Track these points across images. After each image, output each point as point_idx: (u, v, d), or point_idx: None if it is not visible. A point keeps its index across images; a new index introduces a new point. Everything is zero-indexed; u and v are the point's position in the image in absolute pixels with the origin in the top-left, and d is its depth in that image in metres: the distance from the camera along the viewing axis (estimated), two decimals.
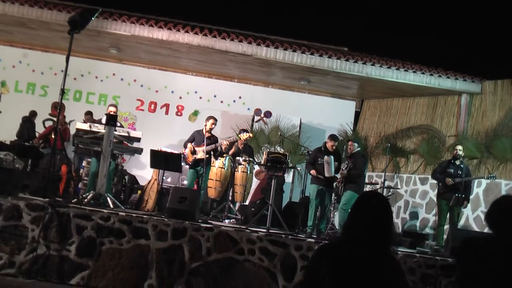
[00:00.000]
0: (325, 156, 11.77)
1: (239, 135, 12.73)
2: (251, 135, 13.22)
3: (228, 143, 12.62)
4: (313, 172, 11.93)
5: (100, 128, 10.94)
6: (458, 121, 15.12)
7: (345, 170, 11.94)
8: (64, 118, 13.63)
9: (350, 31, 20.48)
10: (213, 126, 12.65)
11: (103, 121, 11.32)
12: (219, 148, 12.55)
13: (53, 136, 11.95)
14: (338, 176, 12.06)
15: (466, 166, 12.69)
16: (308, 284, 3.86)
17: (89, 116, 13.92)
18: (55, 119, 12.18)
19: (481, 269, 4.02)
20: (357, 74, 14.80)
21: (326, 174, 11.75)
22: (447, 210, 12.22)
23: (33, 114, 14.63)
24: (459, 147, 12.64)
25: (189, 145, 12.56)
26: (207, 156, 12.22)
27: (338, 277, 3.66)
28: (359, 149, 12.54)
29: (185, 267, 8.85)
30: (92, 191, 10.71)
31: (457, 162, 12.42)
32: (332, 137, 12.36)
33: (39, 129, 14.17)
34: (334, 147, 12.23)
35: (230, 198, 12.46)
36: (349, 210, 4.08)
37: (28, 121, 14.36)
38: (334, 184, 12.38)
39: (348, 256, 3.71)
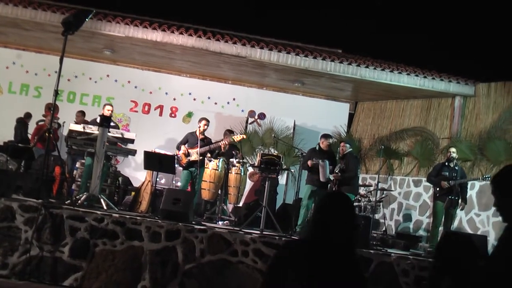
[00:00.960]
0: (320, 160, 11.74)
1: (233, 137, 12.73)
2: (244, 136, 13.21)
3: (226, 145, 12.65)
4: (310, 162, 11.86)
5: (94, 130, 10.93)
6: (452, 123, 15.15)
7: (338, 172, 11.94)
8: (49, 118, 13.64)
9: (344, 33, 20.50)
10: (205, 127, 12.65)
11: (97, 121, 11.31)
12: (217, 150, 12.55)
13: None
14: (332, 177, 12.06)
15: (460, 168, 12.70)
16: (269, 280, 3.84)
17: (81, 117, 13.88)
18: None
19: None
20: (351, 76, 14.81)
21: (321, 179, 11.73)
22: (443, 212, 12.22)
23: (28, 116, 14.63)
24: (453, 149, 12.65)
25: (182, 147, 12.55)
26: (200, 158, 12.22)
27: (300, 276, 3.64)
28: (351, 149, 12.54)
29: (179, 269, 8.86)
30: (85, 193, 10.70)
31: (451, 164, 12.43)
32: (325, 136, 12.37)
33: (33, 131, 14.17)
34: (328, 146, 12.23)
35: (223, 199, 12.47)
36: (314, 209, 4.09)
37: (22, 123, 14.35)
38: (329, 185, 12.38)
39: (309, 255, 3.69)
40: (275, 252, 3.83)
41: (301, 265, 3.65)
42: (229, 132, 13.49)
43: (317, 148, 12.27)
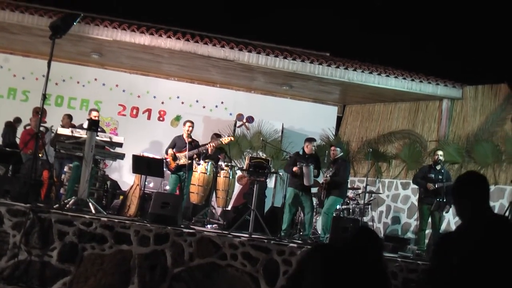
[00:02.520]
0: (304, 167, 11.71)
1: (221, 140, 12.73)
2: (232, 138, 13.22)
3: (214, 147, 12.65)
4: (296, 169, 11.84)
5: (82, 134, 10.90)
6: (439, 126, 15.21)
7: (329, 176, 11.94)
8: (36, 122, 13.62)
9: (332, 36, 20.52)
10: (190, 128, 12.62)
11: (85, 125, 11.29)
12: (203, 151, 12.55)
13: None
14: (321, 181, 12.05)
15: (446, 171, 12.77)
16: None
17: (67, 120, 13.84)
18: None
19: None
20: (339, 80, 14.84)
21: (306, 183, 11.73)
22: (429, 215, 12.26)
23: (17, 120, 14.58)
24: (440, 152, 12.72)
25: (170, 151, 12.54)
26: (189, 161, 12.22)
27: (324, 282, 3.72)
28: (342, 154, 12.57)
29: (168, 273, 8.85)
30: (73, 197, 10.68)
31: (438, 167, 12.50)
32: (309, 140, 12.34)
33: (21, 135, 14.12)
34: (312, 150, 12.23)
35: (212, 203, 12.47)
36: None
37: (10, 127, 14.31)
38: (316, 189, 12.40)
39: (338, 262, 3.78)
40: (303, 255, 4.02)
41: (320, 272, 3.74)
42: (216, 136, 13.49)
43: (301, 152, 12.26)
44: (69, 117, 13.99)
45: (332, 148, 12.60)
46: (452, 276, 3.63)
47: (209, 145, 12.56)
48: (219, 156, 13.33)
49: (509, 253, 3.62)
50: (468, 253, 3.63)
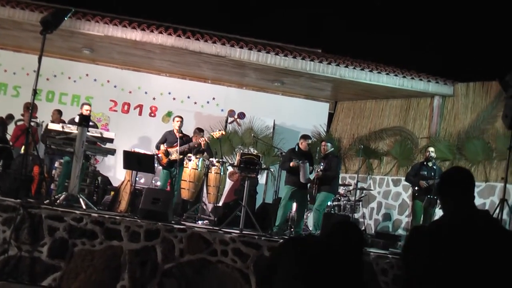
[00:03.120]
0: (300, 162, 11.71)
1: (212, 134, 12.75)
2: (223, 132, 13.23)
3: (206, 142, 12.68)
4: (293, 163, 11.80)
5: (73, 129, 10.88)
6: (431, 123, 15.23)
7: (320, 171, 11.94)
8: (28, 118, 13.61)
9: (323, 32, 20.56)
10: (179, 123, 12.61)
11: (76, 120, 11.27)
12: (194, 147, 12.55)
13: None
14: (313, 177, 12.04)
15: (438, 167, 12.79)
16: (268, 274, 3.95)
17: (57, 115, 13.81)
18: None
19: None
20: (331, 76, 14.84)
21: (302, 180, 11.71)
22: (422, 212, 12.28)
23: (9, 117, 14.48)
24: (431, 149, 12.74)
25: (162, 146, 12.54)
26: (181, 156, 12.21)
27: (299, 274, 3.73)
28: (332, 149, 12.55)
29: (158, 268, 8.85)
30: (64, 192, 10.66)
31: (430, 164, 12.52)
32: (305, 137, 12.34)
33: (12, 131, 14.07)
34: (307, 147, 12.23)
35: (203, 199, 12.47)
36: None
37: (1, 123, 14.25)
38: (308, 185, 12.40)
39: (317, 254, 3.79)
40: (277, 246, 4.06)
41: (299, 262, 3.75)
42: (199, 130, 13.47)
43: (296, 148, 12.24)
44: (59, 112, 13.97)
45: (323, 143, 12.59)
46: (435, 274, 3.67)
47: (201, 139, 12.59)
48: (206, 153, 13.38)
49: (491, 249, 3.67)
50: (450, 249, 3.68)
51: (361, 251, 4.12)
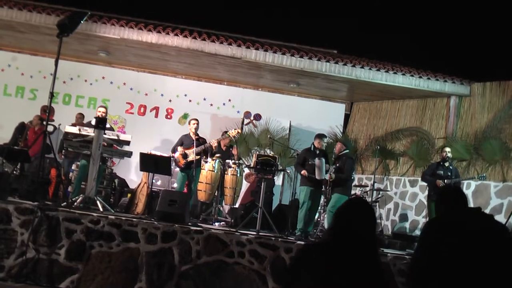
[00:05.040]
0: (316, 159, 11.72)
1: (229, 132, 12.79)
2: (239, 130, 13.27)
3: (216, 142, 12.71)
4: (304, 172, 11.84)
5: (90, 132, 10.93)
6: (447, 123, 15.16)
7: (333, 173, 11.91)
8: (37, 120, 13.70)
9: (339, 33, 20.52)
10: (195, 125, 12.71)
11: (93, 123, 11.32)
12: (208, 148, 12.58)
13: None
14: (327, 177, 12.01)
15: (455, 168, 12.74)
16: (290, 280, 3.95)
17: (81, 119, 13.90)
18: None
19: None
20: (347, 77, 14.81)
21: (317, 177, 11.71)
22: None
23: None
24: (447, 149, 12.69)
25: (179, 148, 12.57)
26: (197, 157, 12.25)
27: (321, 278, 3.72)
28: (347, 151, 12.47)
29: (175, 270, 8.86)
30: (81, 195, 10.70)
31: (446, 164, 12.46)
32: (320, 136, 12.30)
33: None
34: (322, 146, 12.19)
35: (219, 201, 12.48)
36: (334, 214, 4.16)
37: (21, 127, 14.31)
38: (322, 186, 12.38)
39: (334, 258, 3.77)
40: (294, 257, 4.04)
41: (319, 267, 3.74)
42: (225, 133, 13.54)
43: (312, 148, 12.23)
44: (82, 116, 14.07)
45: (338, 144, 12.58)
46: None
47: (213, 141, 12.65)
48: (231, 150, 13.39)
49: (483, 239, 4.21)
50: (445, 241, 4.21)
51: (375, 227, 4.12)
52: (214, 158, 12.34)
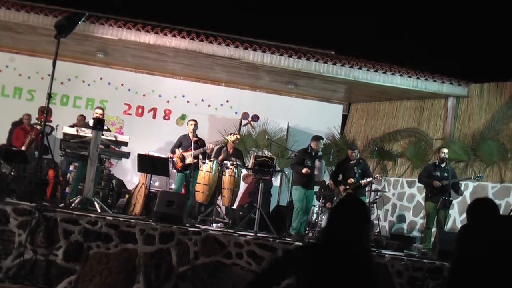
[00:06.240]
0: (317, 161, 11.73)
1: (227, 137, 12.78)
2: (238, 136, 13.26)
3: (213, 148, 12.70)
4: (305, 170, 11.82)
5: (87, 133, 10.92)
6: (445, 124, 15.18)
7: (358, 180, 12.00)
8: (28, 120, 13.75)
9: (337, 34, 20.51)
10: (193, 126, 12.67)
11: (91, 124, 11.32)
12: (207, 151, 12.59)
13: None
14: (363, 183, 12.09)
15: (452, 168, 12.74)
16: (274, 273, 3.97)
17: (82, 121, 13.88)
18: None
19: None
20: (344, 78, 14.82)
21: (316, 179, 11.75)
22: (435, 213, 12.23)
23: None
24: (445, 150, 12.68)
25: (177, 151, 12.56)
26: (195, 160, 12.25)
27: (315, 276, 3.73)
28: (358, 155, 12.64)
29: (173, 271, 8.85)
30: (79, 196, 10.70)
31: (443, 165, 12.46)
32: (317, 138, 12.33)
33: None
34: (319, 148, 12.21)
35: (217, 202, 12.48)
36: (329, 214, 4.19)
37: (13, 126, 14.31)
38: (318, 188, 12.40)
39: (328, 257, 3.78)
40: (289, 252, 4.05)
41: (312, 266, 3.75)
42: (230, 134, 13.54)
43: (309, 149, 12.24)
44: (84, 118, 14.05)
45: (350, 151, 12.62)
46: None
47: (209, 145, 12.66)
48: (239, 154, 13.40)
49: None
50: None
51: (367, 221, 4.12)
52: (212, 159, 12.37)
